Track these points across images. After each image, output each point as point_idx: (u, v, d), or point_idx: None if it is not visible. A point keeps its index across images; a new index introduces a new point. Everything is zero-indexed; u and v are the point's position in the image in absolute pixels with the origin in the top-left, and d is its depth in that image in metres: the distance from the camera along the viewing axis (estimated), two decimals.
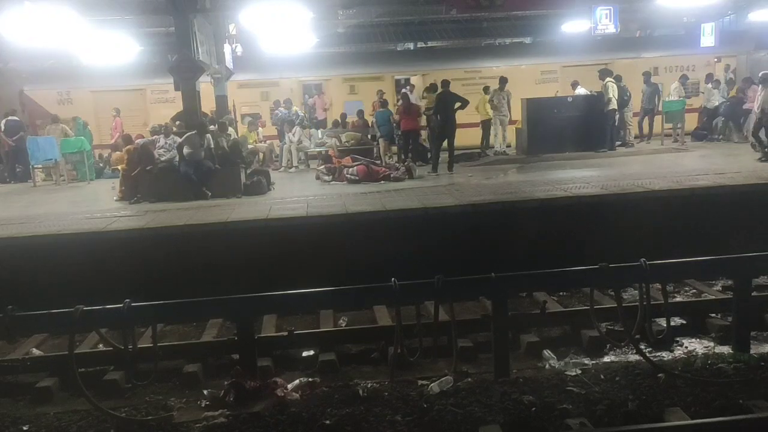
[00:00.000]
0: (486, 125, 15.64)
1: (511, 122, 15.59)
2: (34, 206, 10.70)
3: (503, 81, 15.26)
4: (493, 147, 15.45)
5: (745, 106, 15.07)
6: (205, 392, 5.12)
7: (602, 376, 4.93)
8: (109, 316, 4.84)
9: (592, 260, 5.09)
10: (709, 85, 16.19)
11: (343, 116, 16.32)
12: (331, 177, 12.02)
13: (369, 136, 15.06)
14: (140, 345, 5.42)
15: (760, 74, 12.15)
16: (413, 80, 18.09)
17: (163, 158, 11.14)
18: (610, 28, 16.39)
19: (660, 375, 4.83)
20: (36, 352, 6.61)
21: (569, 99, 14.83)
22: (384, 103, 14.89)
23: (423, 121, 14.37)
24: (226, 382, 5.05)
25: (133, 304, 4.70)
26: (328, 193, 10.42)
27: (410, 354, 5.26)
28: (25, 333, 6.60)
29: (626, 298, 7.06)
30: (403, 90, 16.32)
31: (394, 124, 14.32)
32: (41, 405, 5.49)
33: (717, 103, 15.97)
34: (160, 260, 7.72)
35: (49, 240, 7.86)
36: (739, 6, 18.25)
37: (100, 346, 6.40)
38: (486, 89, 15.70)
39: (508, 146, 15.54)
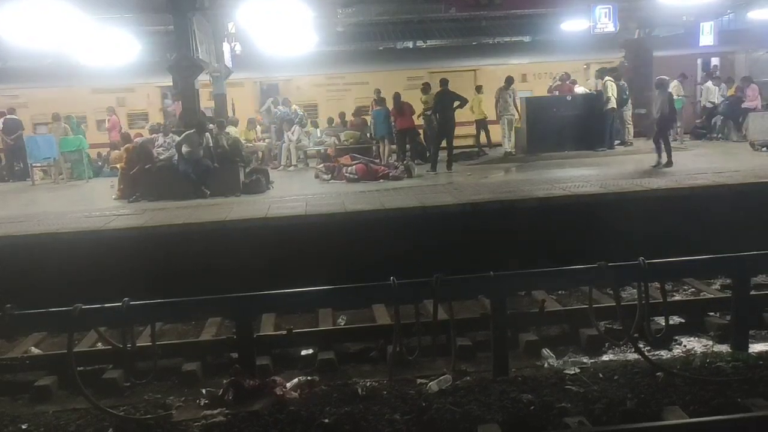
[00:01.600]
0: (480, 125, 15.60)
1: None
2: (32, 205, 10.69)
3: (509, 80, 14.73)
4: (505, 147, 15.04)
5: (744, 105, 15.10)
6: (203, 391, 5.11)
7: (601, 375, 4.93)
8: (108, 315, 4.84)
9: (591, 259, 5.09)
10: (709, 83, 16.19)
11: (342, 115, 16.26)
12: (330, 176, 12.03)
13: (368, 135, 15.05)
14: (139, 343, 5.42)
15: (656, 79, 12.10)
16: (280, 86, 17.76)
17: (161, 156, 11.13)
18: (609, 27, 16.36)
19: (659, 374, 4.83)
20: (35, 350, 6.61)
21: (568, 98, 14.82)
22: (381, 102, 14.81)
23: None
24: (225, 381, 5.04)
25: (131, 303, 4.70)
26: (327, 192, 10.42)
27: (409, 353, 5.26)
28: (23, 331, 6.60)
29: (625, 297, 7.06)
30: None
31: (393, 123, 14.29)
32: (40, 403, 5.49)
33: (716, 101, 15.99)
34: (158, 259, 7.71)
35: (47, 239, 7.86)
36: (738, 5, 18.24)
37: (99, 344, 6.40)
38: (479, 89, 15.67)
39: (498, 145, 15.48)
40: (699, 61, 18.17)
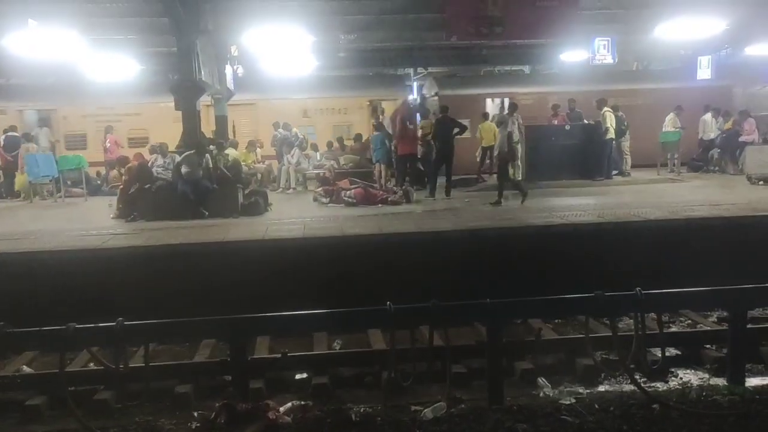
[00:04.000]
0: (488, 152, 15.59)
1: None
2: (30, 222, 10.67)
3: (513, 107, 13.88)
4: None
5: (741, 139, 15.22)
6: (195, 414, 5.07)
7: (597, 406, 4.89)
8: (102, 335, 4.78)
9: (588, 288, 5.08)
10: (708, 115, 16.31)
11: (340, 139, 16.31)
12: (328, 199, 12.05)
13: (368, 159, 15.09)
14: (132, 364, 5.37)
15: (495, 117, 12.12)
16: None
17: (161, 176, 11.14)
18: (608, 58, 16.60)
19: (654, 406, 4.79)
20: (26, 369, 6.55)
21: (567, 127, 14.94)
22: (379, 127, 14.70)
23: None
24: (217, 404, 4.99)
25: (126, 323, 4.67)
26: (325, 216, 10.44)
27: (404, 379, 5.22)
28: (16, 350, 6.55)
29: (621, 327, 7.04)
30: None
31: (393, 148, 14.29)
32: (30, 423, 5.43)
33: (713, 135, 16.11)
34: (154, 279, 7.68)
35: (44, 256, 7.84)
36: (736, 40, 18.48)
37: (92, 364, 6.34)
38: (486, 116, 15.73)
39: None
40: (490, 100, 17.94)
